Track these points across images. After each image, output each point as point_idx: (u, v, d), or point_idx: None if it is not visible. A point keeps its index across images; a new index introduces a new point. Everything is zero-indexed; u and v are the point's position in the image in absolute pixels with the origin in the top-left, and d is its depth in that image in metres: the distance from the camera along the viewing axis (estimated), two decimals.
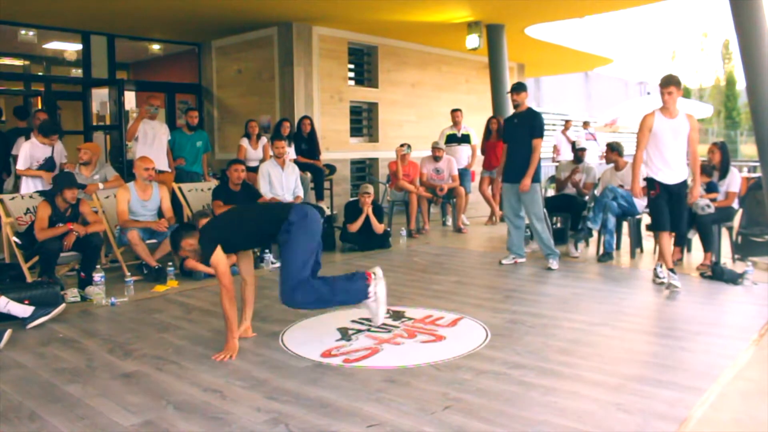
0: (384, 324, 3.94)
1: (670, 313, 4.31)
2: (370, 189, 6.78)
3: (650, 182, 4.87)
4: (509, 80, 9.01)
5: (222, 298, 3.41)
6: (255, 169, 6.86)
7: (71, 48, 9.39)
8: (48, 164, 5.89)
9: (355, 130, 9.97)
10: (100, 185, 5.82)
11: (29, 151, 5.85)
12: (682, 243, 5.56)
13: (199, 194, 6.45)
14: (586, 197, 6.75)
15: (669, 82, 4.72)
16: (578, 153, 7.00)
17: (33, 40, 8.69)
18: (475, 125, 9.19)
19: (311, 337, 3.73)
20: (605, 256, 6.01)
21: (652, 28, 53.42)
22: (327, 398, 2.83)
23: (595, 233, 6.38)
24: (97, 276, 4.68)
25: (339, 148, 9.39)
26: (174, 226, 5.41)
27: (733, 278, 4.94)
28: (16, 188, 6.40)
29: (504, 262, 5.90)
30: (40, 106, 9.22)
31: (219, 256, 3.40)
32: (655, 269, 5.13)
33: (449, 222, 8.55)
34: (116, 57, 9.37)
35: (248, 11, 8.06)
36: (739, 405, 2.80)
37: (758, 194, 5.98)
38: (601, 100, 22.83)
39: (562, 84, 21.27)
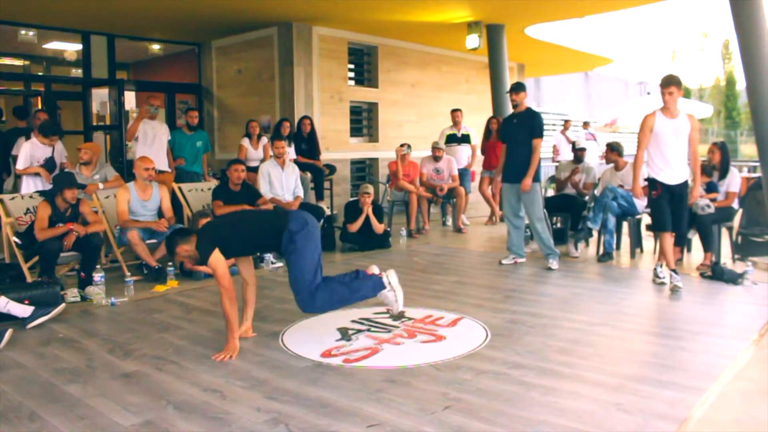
0: (384, 324, 3.95)
1: (670, 313, 4.31)
2: (370, 189, 6.78)
3: (652, 182, 4.87)
4: (509, 80, 9.01)
5: (222, 299, 3.41)
6: (256, 169, 6.86)
7: (71, 48, 9.39)
8: (48, 164, 5.90)
9: (355, 130, 9.97)
10: (100, 185, 5.82)
11: (29, 151, 5.86)
12: (682, 243, 5.55)
13: (199, 194, 6.45)
14: (586, 197, 6.75)
15: (670, 83, 4.72)
16: (578, 153, 7.00)
17: (33, 40, 8.69)
18: (475, 125, 9.20)
19: (311, 337, 3.73)
20: (605, 256, 6.01)
21: (652, 28, 53.49)
22: (327, 398, 2.83)
23: (595, 233, 6.38)
24: (97, 276, 4.69)
25: (339, 148, 9.40)
26: (174, 226, 5.43)
27: (733, 278, 4.94)
28: (15, 188, 6.40)
29: (504, 262, 5.90)
30: (40, 106, 9.22)
31: (217, 258, 3.39)
32: (655, 269, 5.13)
33: (449, 222, 8.55)
34: (116, 57, 9.37)
35: (248, 11, 8.06)
36: (739, 405, 2.80)
37: (758, 194, 5.98)
38: (601, 100, 22.83)
39: (562, 84, 21.27)
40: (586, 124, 11.88)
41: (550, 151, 11.77)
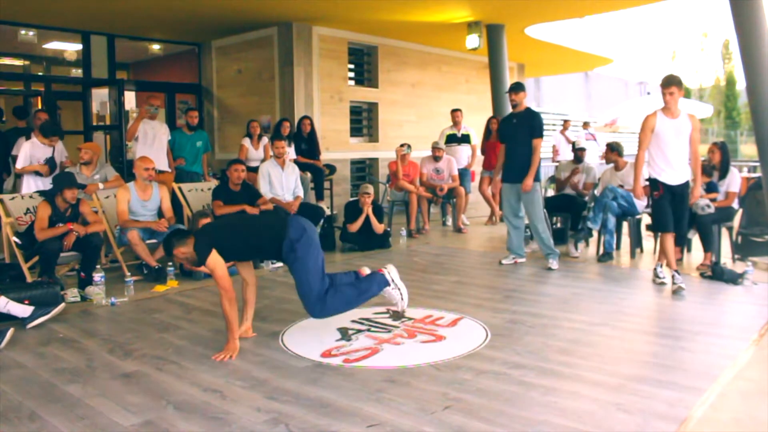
0: (384, 324, 3.95)
1: (670, 313, 4.31)
2: (370, 189, 6.78)
3: (654, 183, 4.86)
4: (509, 80, 9.01)
5: (221, 300, 3.41)
6: (256, 170, 6.86)
7: (71, 48, 9.39)
8: (49, 164, 5.89)
9: (355, 130, 9.97)
10: (100, 185, 5.82)
11: (29, 151, 5.86)
12: (682, 243, 5.55)
13: (199, 194, 6.46)
14: (586, 197, 6.75)
15: (670, 83, 4.71)
16: (578, 153, 7.00)
17: (33, 40, 8.69)
18: (475, 125, 9.20)
19: (311, 337, 3.73)
20: (605, 256, 6.01)
21: (652, 28, 53.49)
22: (327, 398, 2.83)
23: (595, 233, 6.38)
24: (97, 276, 4.68)
25: (339, 148, 9.40)
26: (174, 226, 5.43)
27: (733, 278, 4.94)
28: (15, 188, 6.40)
29: (504, 262, 5.90)
30: (40, 106, 9.22)
31: (215, 259, 3.39)
32: (655, 269, 5.13)
33: (449, 222, 8.55)
34: (116, 57, 9.37)
35: (248, 11, 8.06)
36: (739, 405, 2.80)
37: (758, 194, 5.98)
38: (601, 100, 22.83)
39: (562, 84, 21.27)
40: (586, 125, 11.88)
41: (549, 151, 11.78)
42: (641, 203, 6.07)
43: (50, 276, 4.77)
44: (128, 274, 5.17)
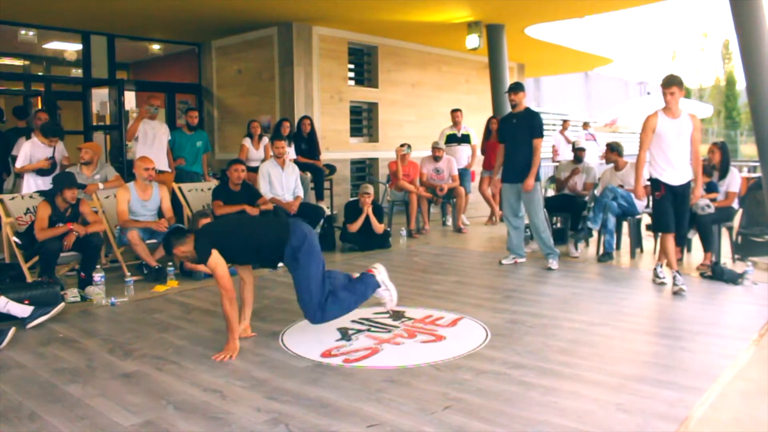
0: (384, 324, 3.95)
1: (670, 313, 4.31)
2: (370, 189, 6.78)
3: (655, 183, 4.86)
4: (509, 80, 9.01)
5: (222, 300, 3.41)
6: (257, 170, 6.86)
7: (71, 48, 9.39)
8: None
9: (355, 130, 9.97)
10: (100, 185, 5.82)
11: (29, 151, 5.86)
12: (682, 243, 5.55)
13: (199, 194, 6.45)
14: (586, 197, 6.75)
15: (671, 83, 4.71)
16: (578, 153, 7.00)
17: (33, 40, 8.69)
18: (475, 125, 9.20)
19: (311, 337, 3.73)
20: (605, 256, 6.01)
21: (652, 28, 53.48)
22: (327, 398, 2.83)
23: (595, 233, 6.38)
24: (97, 276, 4.69)
25: (339, 148, 9.40)
26: (174, 226, 5.43)
27: (733, 278, 4.94)
28: (15, 188, 6.40)
29: (504, 262, 5.90)
30: (40, 106, 9.22)
31: (216, 258, 3.39)
32: (655, 269, 5.13)
33: (449, 222, 8.55)
34: (116, 57, 9.37)
35: (248, 11, 8.06)
36: (739, 405, 2.80)
37: (758, 194, 5.98)
38: (601, 100, 22.83)
39: (562, 84, 21.27)
40: (585, 125, 11.88)
41: (549, 151, 11.78)
42: (641, 203, 6.07)
43: (50, 276, 4.77)
44: (128, 274, 5.17)
